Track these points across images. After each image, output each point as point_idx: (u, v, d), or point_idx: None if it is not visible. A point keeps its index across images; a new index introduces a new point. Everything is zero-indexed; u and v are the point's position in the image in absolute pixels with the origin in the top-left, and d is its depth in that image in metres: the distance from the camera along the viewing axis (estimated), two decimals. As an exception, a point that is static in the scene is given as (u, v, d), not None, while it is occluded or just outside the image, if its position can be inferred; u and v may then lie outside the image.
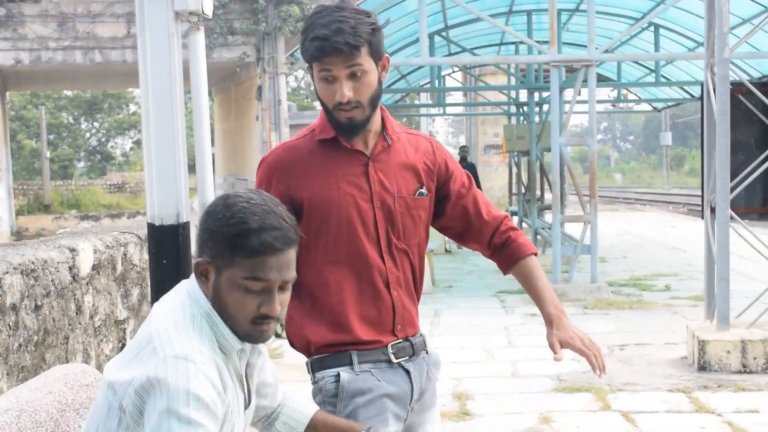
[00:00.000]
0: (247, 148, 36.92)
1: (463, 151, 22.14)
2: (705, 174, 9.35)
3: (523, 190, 21.33)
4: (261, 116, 35.87)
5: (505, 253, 3.40)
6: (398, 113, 35.82)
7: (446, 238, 20.86)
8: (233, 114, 40.67)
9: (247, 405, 2.70)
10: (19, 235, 34.53)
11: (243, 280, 2.47)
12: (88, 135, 73.44)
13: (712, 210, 9.01)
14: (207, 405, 2.37)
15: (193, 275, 2.62)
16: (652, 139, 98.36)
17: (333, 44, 2.95)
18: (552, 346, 3.23)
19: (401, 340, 3.25)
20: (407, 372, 3.23)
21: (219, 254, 2.48)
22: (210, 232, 2.50)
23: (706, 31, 9.23)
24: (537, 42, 16.40)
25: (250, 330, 2.54)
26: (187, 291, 2.61)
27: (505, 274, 3.46)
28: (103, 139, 73.31)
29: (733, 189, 8.97)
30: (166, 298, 2.64)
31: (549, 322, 3.29)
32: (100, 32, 30.91)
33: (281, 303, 2.54)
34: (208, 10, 5.46)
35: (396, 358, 3.22)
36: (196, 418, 2.35)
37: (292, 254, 2.52)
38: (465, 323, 11.62)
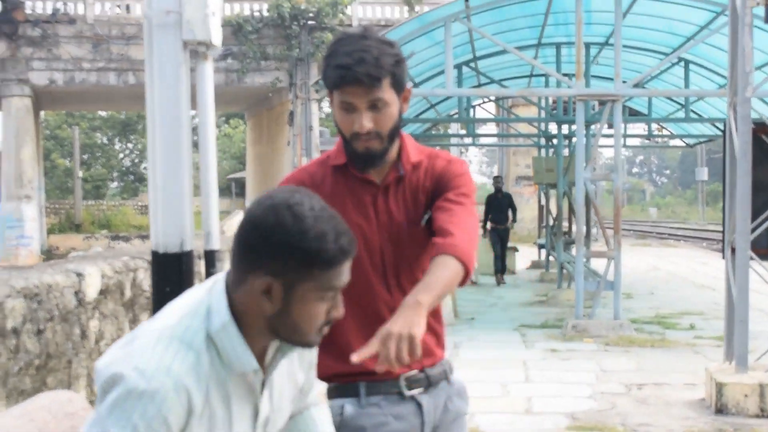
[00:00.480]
0: (277, 172, 36.93)
1: (497, 181, 21.97)
2: (726, 214, 9.24)
3: (552, 223, 21.19)
4: (292, 141, 36.02)
5: (433, 249, 3.02)
6: (429, 143, 35.75)
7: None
8: (265, 138, 40.79)
9: (255, 417, 2.53)
10: (49, 253, 34.76)
11: (320, 292, 2.33)
12: (121, 155, 73.98)
13: (733, 250, 8.89)
14: (135, 428, 2.26)
15: (217, 284, 2.44)
16: (688, 174, 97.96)
17: (355, 74, 2.87)
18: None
19: (416, 371, 3.12)
20: (419, 405, 3.11)
21: (291, 269, 2.29)
22: (281, 247, 2.29)
23: (729, 69, 9.14)
24: (566, 75, 16.33)
25: (315, 338, 2.42)
26: (204, 298, 2.44)
27: None
28: (137, 160, 73.79)
29: (755, 229, 8.85)
30: (185, 295, 2.50)
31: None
32: (134, 54, 31.10)
33: None
34: (217, 41, 5.44)
35: (408, 390, 3.10)
36: None
37: None
38: (484, 357, 11.52)
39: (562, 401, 9.16)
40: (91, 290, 6.09)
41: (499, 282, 20.51)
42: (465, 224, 3.05)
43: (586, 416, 8.52)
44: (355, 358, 2.57)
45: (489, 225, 21.11)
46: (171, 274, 5.31)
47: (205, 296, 2.45)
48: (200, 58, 5.52)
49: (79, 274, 5.96)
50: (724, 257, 9.24)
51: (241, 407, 2.47)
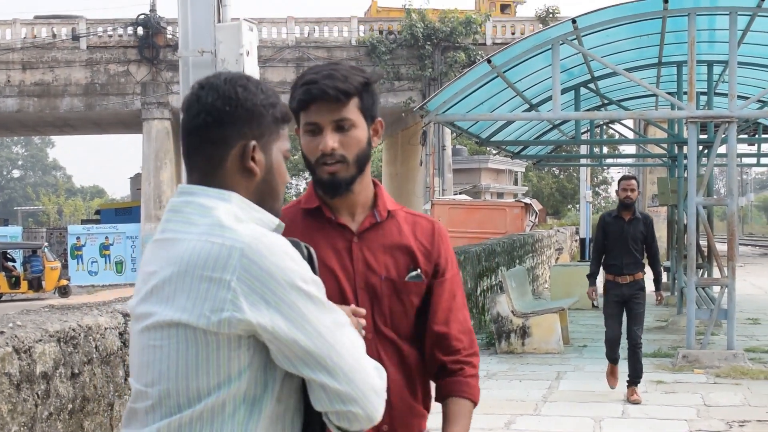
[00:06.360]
0: (411, 192, 37.03)
1: (626, 188, 10.81)
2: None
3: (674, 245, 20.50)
4: (425, 161, 36.02)
5: (450, 381, 3.01)
6: (556, 164, 35.27)
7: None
8: (399, 158, 40.91)
9: None
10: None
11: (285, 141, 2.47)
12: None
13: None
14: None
15: (193, 193, 2.34)
16: None
17: (321, 87, 2.76)
18: None
19: None
20: None
21: (265, 128, 2.39)
22: (254, 110, 2.37)
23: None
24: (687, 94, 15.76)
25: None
26: (207, 203, 2.32)
27: (435, 400, 3.07)
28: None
29: None
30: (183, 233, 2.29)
31: None
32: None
33: None
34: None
35: None
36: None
37: None
38: (584, 388, 11.16)
39: (654, 440, 8.80)
40: (139, 330, 6.05)
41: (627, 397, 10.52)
42: (463, 317, 3.06)
43: (673, 458, 8.16)
44: None
45: (603, 276, 11.39)
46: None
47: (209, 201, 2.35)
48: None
49: (126, 315, 5.94)
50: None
51: None
